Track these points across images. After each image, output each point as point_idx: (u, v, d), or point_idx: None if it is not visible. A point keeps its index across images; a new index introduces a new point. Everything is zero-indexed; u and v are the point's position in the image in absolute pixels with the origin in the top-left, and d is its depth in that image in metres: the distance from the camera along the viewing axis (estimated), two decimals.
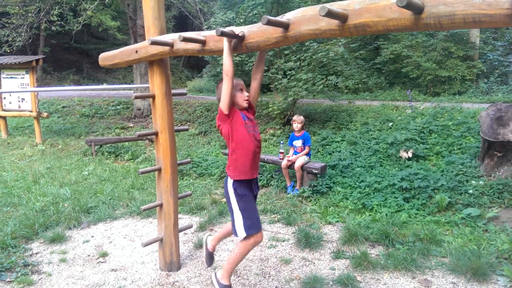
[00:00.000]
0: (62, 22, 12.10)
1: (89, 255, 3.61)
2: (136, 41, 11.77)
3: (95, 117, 12.44)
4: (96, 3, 10.66)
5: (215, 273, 2.68)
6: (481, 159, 4.92)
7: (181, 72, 28.20)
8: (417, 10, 1.49)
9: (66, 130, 10.64)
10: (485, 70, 12.35)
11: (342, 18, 1.72)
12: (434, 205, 4.24)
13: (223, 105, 2.42)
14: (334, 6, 1.74)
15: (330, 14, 1.65)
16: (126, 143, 8.82)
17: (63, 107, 13.31)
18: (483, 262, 3.01)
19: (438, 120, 6.59)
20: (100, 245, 3.83)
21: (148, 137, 8.34)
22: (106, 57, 3.24)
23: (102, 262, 3.47)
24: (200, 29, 24.64)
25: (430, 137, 6.07)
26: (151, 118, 12.81)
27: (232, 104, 2.48)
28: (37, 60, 9.03)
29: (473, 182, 4.49)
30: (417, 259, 3.17)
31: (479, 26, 1.48)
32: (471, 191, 4.31)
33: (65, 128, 10.90)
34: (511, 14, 1.33)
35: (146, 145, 8.68)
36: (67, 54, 24.03)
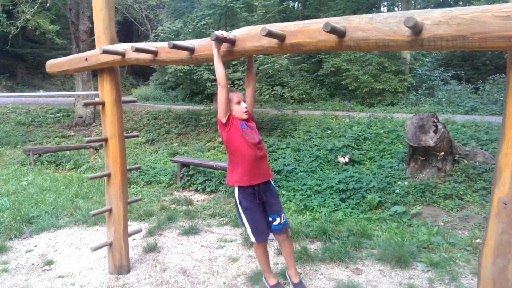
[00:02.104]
0: None
1: (33, 264, 3.53)
2: (78, 47, 11.40)
3: (32, 125, 11.79)
4: (36, 6, 10.19)
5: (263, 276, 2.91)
6: (407, 162, 5.52)
7: (126, 79, 27.43)
8: (340, 35, 1.80)
9: (0, 139, 9.97)
10: (414, 84, 13.61)
11: (280, 37, 2.00)
12: (366, 204, 4.70)
13: (220, 114, 2.46)
14: (274, 27, 2.01)
15: (270, 34, 1.92)
16: (68, 152, 8.52)
17: None
18: (405, 251, 3.44)
19: (371, 129, 7.22)
20: (45, 254, 3.76)
21: (93, 144, 8.15)
22: (54, 64, 3.26)
23: (47, 270, 3.42)
24: (146, 35, 24.30)
25: (365, 144, 6.64)
26: (94, 126, 12.48)
27: (231, 114, 2.53)
28: None
29: (400, 183, 5.03)
30: (350, 251, 3.54)
31: (388, 49, 1.82)
32: (398, 191, 4.83)
33: None
34: (410, 40, 1.68)
35: (89, 153, 8.45)
36: None
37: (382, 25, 1.71)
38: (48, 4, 10.35)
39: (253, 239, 2.66)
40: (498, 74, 12.91)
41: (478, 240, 3.84)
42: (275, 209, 2.69)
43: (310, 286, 3.07)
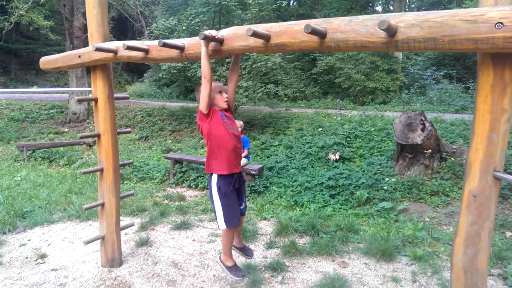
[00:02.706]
0: None
1: (27, 257, 3.60)
2: (72, 43, 11.40)
3: (26, 122, 11.78)
4: (30, 2, 10.18)
5: (219, 256, 2.97)
6: (396, 160, 5.64)
7: (120, 76, 27.37)
8: (321, 36, 1.89)
9: None
10: (406, 82, 13.74)
11: (266, 38, 2.09)
12: (355, 200, 4.81)
13: (202, 106, 2.54)
14: (259, 28, 2.10)
15: (255, 34, 2.00)
16: (61, 148, 8.56)
17: None
18: (390, 245, 3.56)
19: (362, 127, 7.34)
20: (38, 248, 3.82)
21: (86, 140, 8.20)
22: (48, 61, 3.32)
23: (41, 263, 3.49)
24: (141, 32, 24.24)
25: (355, 141, 6.76)
26: (87, 123, 12.49)
27: (212, 105, 2.63)
28: None
29: (388, 180, 5.15)
30: (337, 245, 3.65)
31: (366, 50, 1.91)
32: (386, 188, 4.95)
33: None
34: (385, 42, 1.77)
35: (83, 149, 8.49)
36: None
37: (360, 27, 1.80)
38: (42, 0, 10.33)
39: (223, 226, 2.68)
40: None
41: None
42: (242, 195, 2.92)
43: (298, 279, 3.17)
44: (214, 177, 2.68)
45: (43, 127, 11.27)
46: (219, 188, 2.65)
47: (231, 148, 2.65)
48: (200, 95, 2.54)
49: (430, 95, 12.26)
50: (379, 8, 23.97)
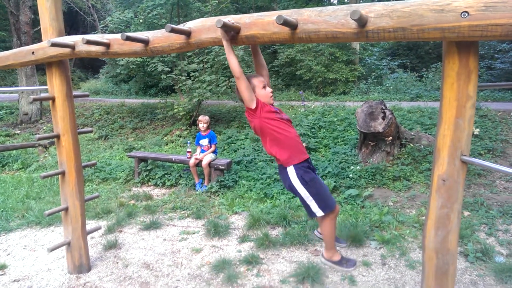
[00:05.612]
0: None
1: None
2: (19, 39, 10.68)
3: None
4: None
5: (322, 254, 2.63)
6: (359, 148, 5.81)
7: (73, 72, 26.04)
8: (293, 27, 1.88)
9: None
10: (364, 73, 14.16)
11: (235, 29, 2.04)
12: None
13: (247, 102, 2.32)
14: (228, 19, 2.05)
15: (225, 26, 1.96)
16: (14, 151, 8.02)
17: None
18: (359, 231, 3.67)
19: (326, 117, 7.48)
20: None
21: (42, 142, 7.74)
22: None
23: (1, 275, 3.27)
24: (93, 26, 23.19)
25: (320, 132, 6.88)
26: (41, 123, 11.81)
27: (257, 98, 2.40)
28: None
29: (353, 168, 5.30)
30: (309, 234, 3.70)
31: (337, 41, 1.92)
32: (351, 176, 5.09)
33: None
34: (356, 32, 1.79)
35: (39, 151, 8.02)
36: None
37: (331, 18, 1.81)
38: None
39: (320, 213, 2.38)
40: (440, 62, 13.77)
41: (424, 217, 4.17)
42: None
43: (273, 270, 3.19)
44: (291, 170, 2.40)
45: None
46: (301, 178, 2.38)
47: (293, 135, 2.42)
48: (240, 93, 2.32)
49: (387, 84, 12.73)
50: (334, 1, 24.43)
